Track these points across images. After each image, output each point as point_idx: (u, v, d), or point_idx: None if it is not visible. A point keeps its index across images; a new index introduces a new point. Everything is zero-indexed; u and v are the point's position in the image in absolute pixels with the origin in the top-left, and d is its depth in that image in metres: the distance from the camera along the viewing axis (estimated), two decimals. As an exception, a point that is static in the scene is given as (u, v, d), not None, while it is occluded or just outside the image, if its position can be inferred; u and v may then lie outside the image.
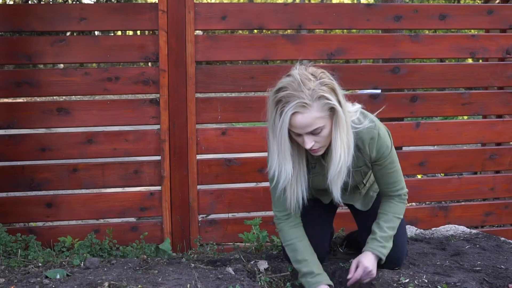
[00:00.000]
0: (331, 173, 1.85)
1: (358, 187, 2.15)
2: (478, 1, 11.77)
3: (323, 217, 2.24)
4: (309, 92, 1.71)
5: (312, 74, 1.75)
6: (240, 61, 11.99)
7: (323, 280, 1.97)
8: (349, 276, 1.95)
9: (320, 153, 1.85)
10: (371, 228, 2.04)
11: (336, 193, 1.90)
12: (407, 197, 2.07)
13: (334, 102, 1.73)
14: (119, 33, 9.61)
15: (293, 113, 1.71)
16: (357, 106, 1.96)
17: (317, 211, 2.22)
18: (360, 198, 2.19)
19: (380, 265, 2.08)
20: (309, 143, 1.77)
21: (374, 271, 1.96)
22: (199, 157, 2.81)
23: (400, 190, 2.04)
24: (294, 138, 1.83)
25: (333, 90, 1.75)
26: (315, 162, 2.00)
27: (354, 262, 1.98)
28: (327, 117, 1.76)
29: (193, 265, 2.19)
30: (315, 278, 1.97)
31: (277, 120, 1.75)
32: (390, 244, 2.01)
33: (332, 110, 1.76)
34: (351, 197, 2.17)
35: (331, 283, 1.99)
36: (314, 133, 1.76)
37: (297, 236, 2.04)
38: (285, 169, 1.85)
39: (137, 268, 2.12)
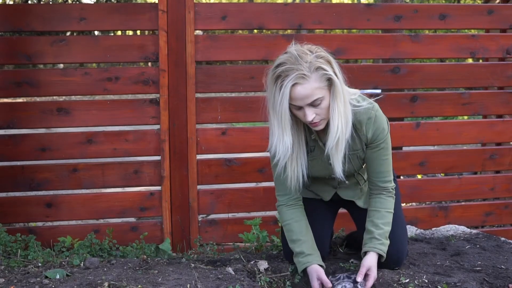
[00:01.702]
0: (329, 143, 1.87)
1: (359, 183, 2.17)
2: (478, 1, 11.77)
3: (324, 218, 2.23)
4: (307, 64, 1.77)
5: (308, 50, 1.82)
6: (240, 61, 11.99)
7: (313, 260, 1.99)
8: (358, 279, 1.93)
9: (321, 127, 1.88)
10: (366, 227, 2.04)
11: (338, 168, 1.92)
12: (394, 192, 2.08)
13: (330, 72, 1.79)
14: (119, 33, 9.60)
15: (293, 85, 1.76)
16: (357, 90, 2.01)
17: (318, 212, 2.22)
18: (362, 195, 2.20)
19: (380, 265, 2.08)
20: (310, 115, 1.81)
21: (376, 272, 1.97)
22: (199, 157, 2.81)
23: (389, 183, 2.05)
24: (295, 113, 1.85)
25: (329, 62, 1.81)
26: (314, 145, 2.02)
27: (363, 267, 1.94)
28: (325, 88, 1.81)
29: (193, 265, 2.19)
30: (305, 258, 1.99)
31: (277, 95, 1.79)
32: (388, 241, 2.01)
33: (330, 81, 1.81)
34: (352, 193, 2.18)
35: (321, 263, 2.00)
36: (314, 104, 1.80)
37: (294, 217, 2.07)
38: (284, 143, 1.88)
39: (137, 268, 2.12)
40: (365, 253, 1.99)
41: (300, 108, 1.82)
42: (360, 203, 2.19)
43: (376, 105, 1.99)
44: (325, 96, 1.81)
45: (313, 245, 2.04)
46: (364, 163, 2.08)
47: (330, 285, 1.92)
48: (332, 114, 1.84)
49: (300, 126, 1.95)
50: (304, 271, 2.01)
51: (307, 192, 2.22)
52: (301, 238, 2.03)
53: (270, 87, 1.83)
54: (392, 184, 2.07)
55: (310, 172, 2.04)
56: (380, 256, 1.99)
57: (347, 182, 2.08)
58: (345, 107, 1.86)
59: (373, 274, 1.94)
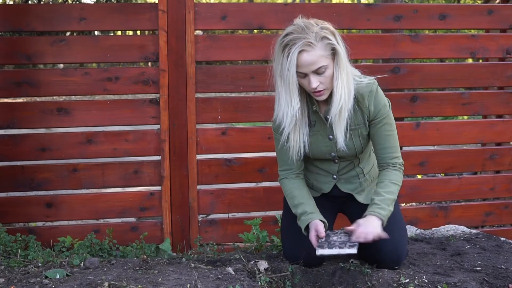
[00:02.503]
0: (332, 111, 1.97)
1: (358, 177, 2.19)
2: (478, 1, 11.77)
3: (325, 217, 2.23)
4: (313, 34, 1.89)
5: (314, 22, 1.94)
6: (240, 61, 11.99)
7: (315, 217, 2.05)
8: (352, 227, 1.96)
9: (324, 97, 1.98)
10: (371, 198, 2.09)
11: (340, 138, 2.01)
12: (403, 168, 2.12)
13: (335, 42, 1.92)
14: (119, 33, 9.60)
15: (300, 52, 1.87)
16: (357, 71, 2.11)
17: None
18: (362, 190, 2.21)
19: (380, 265, 2.09)
20: (315, 82, 1.91)
21: (371, 234, 1.94)
22: (199, 157, 2.81)
23: (396, 158, 2.10)
24: (300, 81, 1.95)
25: (333, 34, 1.95)
26: (315, 120, 2.09)
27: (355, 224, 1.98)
28: (330, 57, 1.92)
29: (193, 265, 2.19)
30: (308, 216, 2.06)
31: (285, 62, 1.90)
32: (390, 208, 2.01)
33: (334, 51, 1.93)
34: (351, 186, 2.20)
35: (323, 219, 2.06)
36: (318, 72, 1.91)
37: (295, 186, 2.16)
38: (292, 108, 1.97)
39: (137, 268, 2.12)
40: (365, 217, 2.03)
41: (305, 76, 1.92)
42: (360, 198, 2.21)
43: (377, 82, 2.07)
44: (329, 65, 1.91)
45: (315, 207, 2.10)
46: (366, 143, 2.13)
47: (324, 234, 1.98)
48: (336, 83, 1.94)
49: (303, 98, 2.04)
50: (307, 229, 2.06)
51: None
52: (303, 201, 2.10)
53: (277, 56, 1.94)
54: (400, 160, 2.12)
55: (311, 149, 2.10)
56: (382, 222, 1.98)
57: (347, 151, 2.10)
58: (347, 78, 1.96)
59: (366, 233, 1.96)
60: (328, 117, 2.02)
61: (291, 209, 2.14)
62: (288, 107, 1.97)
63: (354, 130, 2.07)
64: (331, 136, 2.07)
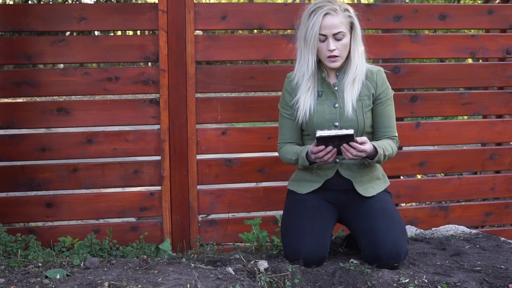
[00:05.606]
0: (348, 79, 2.19)
1: (358, 166, 2.23)
2: (478, 1, 11.77)
3: (325, 217, 2.24)
4: (338, 5, 2.16)
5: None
6: (240, 61, 11.99)
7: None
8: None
9: (337, 64, 2.19)
10: None
11: (349, 105, 2.18)
12: (399, 142, 2.33)
13: (354, 16, 2.19)
14: (119, 33, 9.60)
15: (325, 14, 2.13)
16: None
17: (320, 210, 2.23)
18: (362, 182, 2.24)
19: (380, 264, 2.10)
20: (333, 45, 2.14)
21: (363, 154, 2.08)
22: (199, 157, 2.81)
23: (395, 136, 2.30)
24: (320, 46, 2.17)
25: (352, 11, 2.20)
26: (322, 90, 2.25)
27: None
28: (348, 27, 2.18)
29: (193, 265, 2.19)
30: (306, 147, 2.21)
31: (310, 23, 2.14)
32: (384, 152, 2.16)
33: (352, 26, 2.19)
34: (352, 173, 2.23)
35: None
36: (337, 37, 2.15)
37: (294, 146, 2.31)
38: (308, 61, 2.18)
39: (137, 268, 2.12)
40: None
41: (325, 40, 2.15)
42: (360, 189, 2.23)
43: None
44: (346, 34, 2.16)
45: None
46: (368, 120, 2.23)
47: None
48: (353, 54, 2.19)
49: (316, 70, 2.23)
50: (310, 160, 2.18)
51: (310, 175, 2.27)
52: (301, 148, 2.24)
53: (304, 21, 2.19)
54: (397, 137, 2.32)
55: (316, 117, 2.22)
56: (375, 154, 2.14)
57: (352, 118, 2.20)
58: (362, 52, 2.22)
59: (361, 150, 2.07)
60: (336, 88, 2.22)
61: (293, 158, 2.25)
62: (306, 60, 2.18)
63: (359, 101, 2.22)
64: (336, 105, 2.22)
